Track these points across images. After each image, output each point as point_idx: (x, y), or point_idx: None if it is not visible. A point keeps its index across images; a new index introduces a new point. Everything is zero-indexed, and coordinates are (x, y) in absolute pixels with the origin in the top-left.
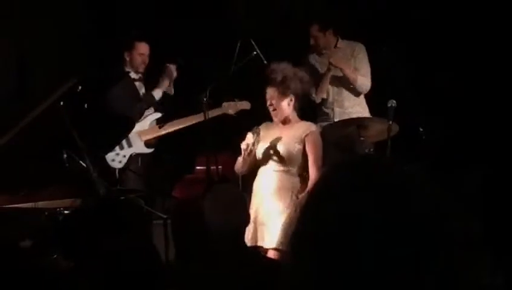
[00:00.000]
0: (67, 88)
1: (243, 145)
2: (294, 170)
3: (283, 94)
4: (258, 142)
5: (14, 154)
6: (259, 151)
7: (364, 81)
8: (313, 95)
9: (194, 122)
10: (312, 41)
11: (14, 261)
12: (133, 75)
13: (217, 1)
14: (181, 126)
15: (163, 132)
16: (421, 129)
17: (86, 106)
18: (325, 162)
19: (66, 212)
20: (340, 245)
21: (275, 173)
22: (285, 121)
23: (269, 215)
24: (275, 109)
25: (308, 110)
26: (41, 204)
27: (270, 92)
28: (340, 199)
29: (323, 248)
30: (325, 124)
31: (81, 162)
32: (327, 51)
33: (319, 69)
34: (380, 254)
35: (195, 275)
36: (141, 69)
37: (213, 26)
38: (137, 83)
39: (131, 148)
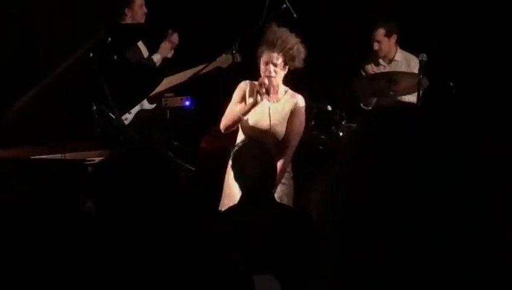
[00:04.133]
0: (97, 40)
1: (260, 86)
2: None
3: (284, 63)
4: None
5: (44, 106)
6: (247, 122)
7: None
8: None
9: (197, 72)
10: (376, 46)
11: (46, 210)
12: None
13: None
14: (186, 77)
15: (166, 86)
16: (451, 84)
17: (115, 57)
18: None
19: (95, 162)
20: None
21: None
22: (273, 93)
23: None
24: (274, 73)
25: None
26: (69, 155)
27: (273, 57)
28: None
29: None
30: None
31: (110, 114)
32: (384, 63)
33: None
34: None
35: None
36: (143, 20)
37: None
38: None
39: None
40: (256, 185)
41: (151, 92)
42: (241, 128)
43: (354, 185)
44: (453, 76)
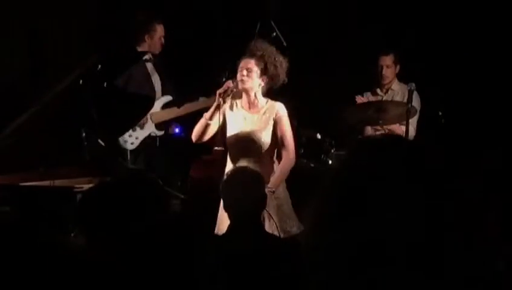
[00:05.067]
0: (87, 66)
1: (223, 88)
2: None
3: (258, 67)
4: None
5: (33, 132)
6: (229, 134)
7: (411, 132)
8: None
9: (208, 105)
10: (384, 71)
11: (31, 239)
12: (147, 56)
13: None
14: (195, 109)
15: (172, 115)
16: (440, 113)
17: (105, 84)
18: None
19: (84, 189)
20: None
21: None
22: (252, 105)
23: None
24: (246, 76)
25: None
26: (58, 182)
27: (246, 62)
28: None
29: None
30: None
31: (99, 140)
32: (381, 93)
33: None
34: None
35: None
36: (159, 51)
37: (233, 7)
38: (149, 64)
39: (143, 130)
40: (245, 214)
41: (141, 118)
42: (228, 144)
43: (336, 220)
44: (443, 106)
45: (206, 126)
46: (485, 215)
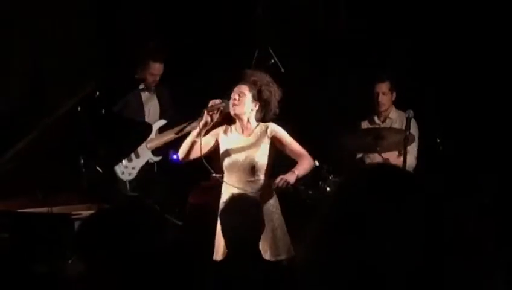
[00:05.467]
0: (85, 94)
1: (209, 105)
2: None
3: (250, 92)
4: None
5: (31, 159)
6: (225, 158)
7: (410, 160)
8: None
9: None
10: (380, 98)
11: (30, 265)
12: (142, 85)
13: (237, 9)
14: (189, 130)
15: (165, 137)
16: (438, 140)
17: (103, 111)
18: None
19: (82, 216)
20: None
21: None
22: (245, 128)
23: None
24: (238, 100)
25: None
26: (56, 209)
27: (240, 87)
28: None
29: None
30: None
31: (97, 168)
32: (379, 121)
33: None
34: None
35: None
36: (152, 86)
37: (232, 34)
38: (145, 93)
39: (139, 159)
40: (242, 240)
41: (140, 145)
42: (224, 168)
43: (333, 246)
44: (440, 133)
45: (193, 143)
46: (483, 239)
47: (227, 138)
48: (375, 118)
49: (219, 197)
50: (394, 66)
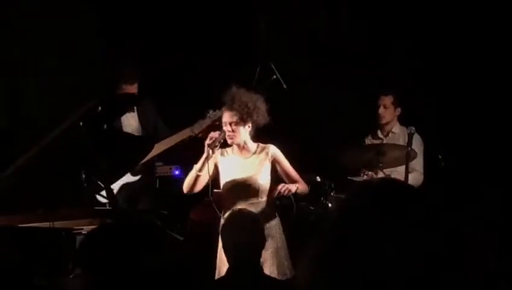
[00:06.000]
0: (87, 109)
1: (209, 140)
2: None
3: (241, 120)
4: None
5: (33, 174)
6: (224, 181)
7: (417, 177)
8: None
9: (183, 137)
10: (381, 111)
11: (31, 280)
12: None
13: (239, 25)
14: (170, 144)
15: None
16: (439, 156)
17: (105, 126)
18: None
19: (84, 231)
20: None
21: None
22: (243, 149)
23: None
24: (232, 132)
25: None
26: (58, 224)
27: (229, 116)
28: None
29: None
30: None
31: (99, 182)
32: (382, 136)
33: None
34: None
35: None
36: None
37: (234, 49)
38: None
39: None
40: (244, 257)
41: (142, 160)
42: (224, 191)
43: (336, 262)
44: (442, 149)
45: (197, 177)
46: (484, 252)
47: (226, 160)
48: (379, 132)
49: (220, 213)
50: (395, 81)
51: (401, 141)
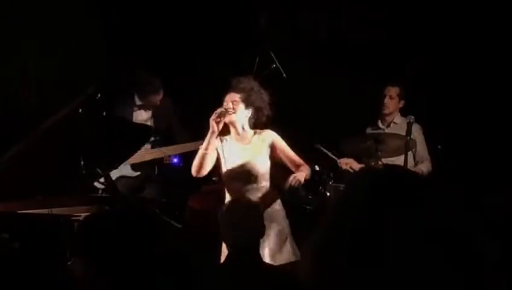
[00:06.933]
0: (86, 96)
1: (214, 115)
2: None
3: (244, 101)
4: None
5: (32, 161)
6: (225, 168)
7: (428, 165)
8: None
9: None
10: (386, 100)
11: (29, 266)
12: (140, 102)
13: (239, 14)
14: (178, 151)
15: (148, 157)
16: (439, 147)
17: (104, 113)
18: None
19: (82, 218)
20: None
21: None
22: (241, 136)
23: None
24: (233, 108)
25: None
26: (56, 211)
27: (231, 96)
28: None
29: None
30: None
31: (98, 169)
32: (383, 126)
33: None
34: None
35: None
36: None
37: (233, 38)
38: (142, 111)
39: (116, 170)
40: (243, 245)
41: (139, 148)
42: (224, 177)
43: (337, 249)
44: (442, 140)
45: (204, 156)
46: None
47: (225, 147)
48: (379, 123)
49: (219, 201)
50: (396, 73)
51: (402, 132)
